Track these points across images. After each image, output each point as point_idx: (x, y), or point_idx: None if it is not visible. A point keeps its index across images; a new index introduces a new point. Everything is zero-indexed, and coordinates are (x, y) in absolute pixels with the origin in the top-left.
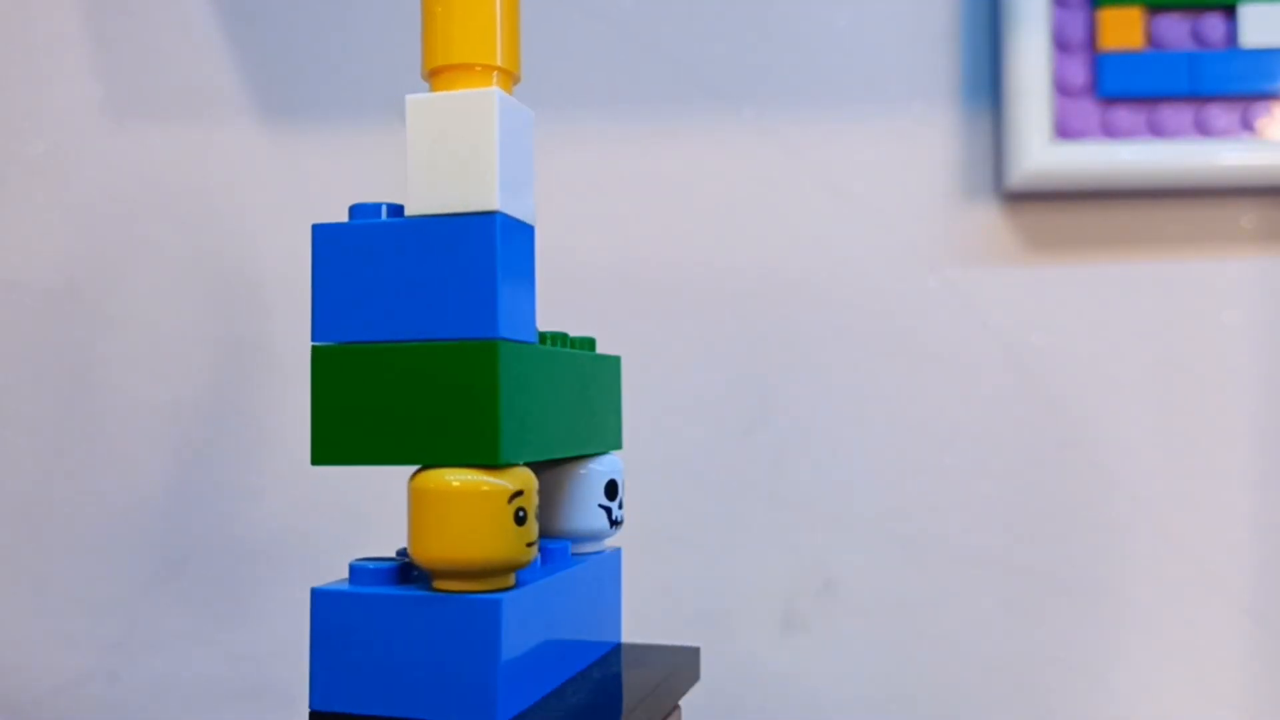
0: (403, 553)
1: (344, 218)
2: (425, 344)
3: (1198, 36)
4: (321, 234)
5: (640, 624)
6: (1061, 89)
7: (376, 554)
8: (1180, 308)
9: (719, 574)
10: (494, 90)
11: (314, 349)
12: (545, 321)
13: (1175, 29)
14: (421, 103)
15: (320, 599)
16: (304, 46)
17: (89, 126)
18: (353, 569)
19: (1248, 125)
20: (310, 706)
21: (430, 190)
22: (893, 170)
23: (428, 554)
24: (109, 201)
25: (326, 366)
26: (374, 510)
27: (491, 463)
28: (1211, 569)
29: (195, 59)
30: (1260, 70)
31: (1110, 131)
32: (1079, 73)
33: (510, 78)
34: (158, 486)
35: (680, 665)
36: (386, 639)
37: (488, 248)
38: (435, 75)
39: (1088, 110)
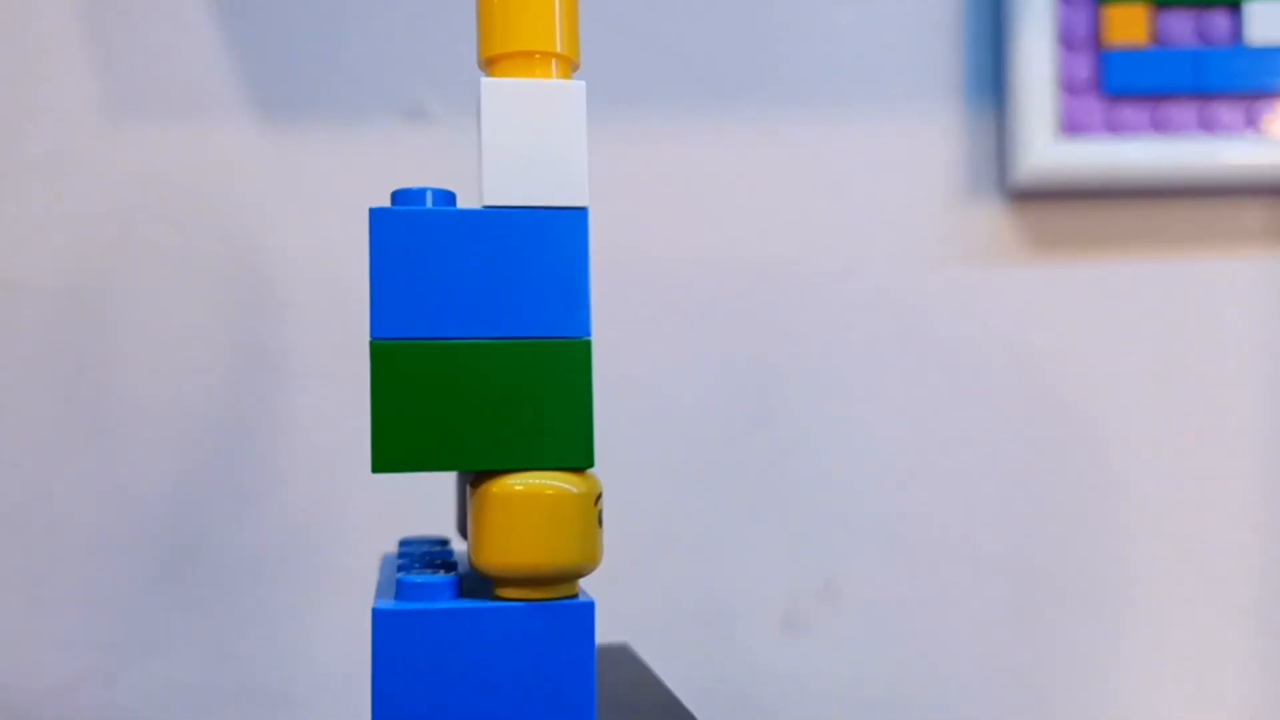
0: (411, 558)
1: (343, 216)
2: (507, 342)
3: (1203, 33)
4: (381, 220)
5: (640, 624)
6: (1066, 86)
7: (371, 556)
8: (1185, 306)
9: (719, 574)
10: (580, 83)
11: (374, 345)
12: None
13: (1180, 26)
14: (499, 88)
15: (387, 620)
16: (304, 45)
17: (88, 126)
18: (404, 585)
19: (1252, 122)
20: None
21: (510, 181)
22: (896, 168)
23: (512, 560)
24: (108, 201)
25: (389, 365)
26: (374, 510)
27: (586, 465)
28: (1215, 570)
29: (194, 58)
30: (1265, 67)
31: (1115, 128)
32: (1084, 69)
33: (570, 65)
34: (156, 488)
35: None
36: (467, 655)
37: (579, 244)
38: (494, 63)
39: (1092, 107)
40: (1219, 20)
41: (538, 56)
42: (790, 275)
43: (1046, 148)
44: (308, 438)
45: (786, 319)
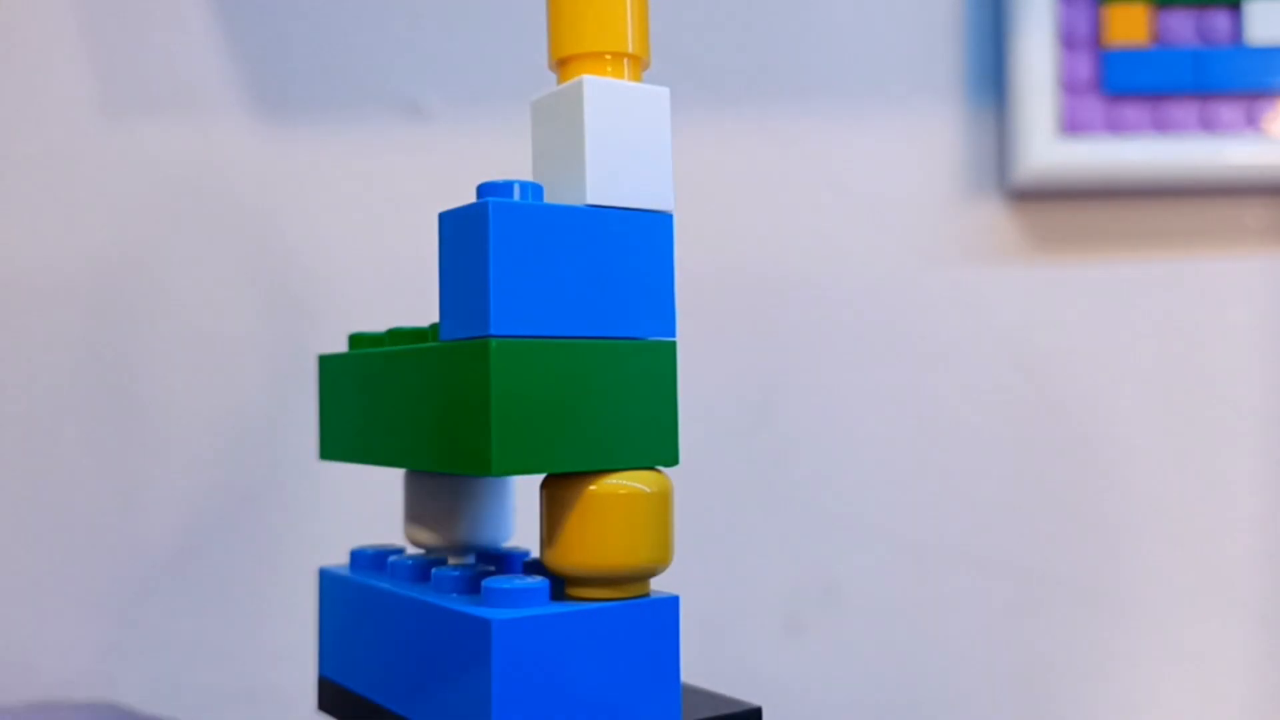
0: (414, 565)
1: (342, 215)
2: (610, 341)
3: (1203, 32)
4: (500, 213)
5: None
6: (1067, 85)
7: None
8: (1186, 305)
9: (720, 577)
10: (665, 89)
11: (496, 343)
12: None
13: (1181, 25)
14: (602, 88)
15: (507, 628)
16: (303, 43)
17: (87, 124)
18: (491, 590)
19: (1253, 122)
20: None
21: (611, 180)
22: (896, 167)
23: (602, 560)
24: (107, 200)
25: (510, 363)
26: (370, 511)
27: (672, 464)
28: (1217, 571)
29: (194, 56)
30: (1266, 66)
31: (1116, 128)
32: (1084, 69)
33: (641, 65)
34: (155, 488)
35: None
36: (573, 657)
37: (667, 247)
38: (566, 64)
39: (1093, 106)
40: (1219, 20)
41: (609, 57)
42: (790, 274)
43: (1047, 147)
44: (307, 437)
45: (786, 318)
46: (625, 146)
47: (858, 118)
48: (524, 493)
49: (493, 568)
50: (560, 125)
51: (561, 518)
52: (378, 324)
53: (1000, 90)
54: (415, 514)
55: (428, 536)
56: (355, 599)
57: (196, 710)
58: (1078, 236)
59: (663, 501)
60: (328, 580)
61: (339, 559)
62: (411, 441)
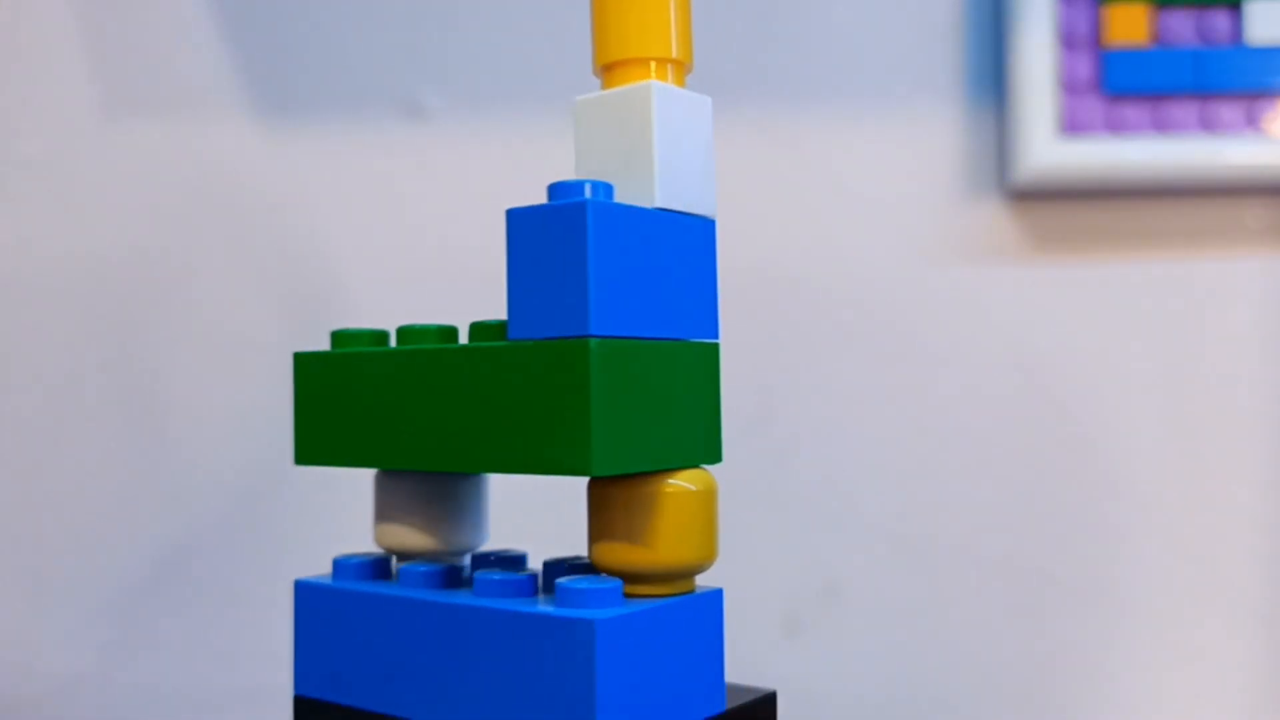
0: (434, 571)
1: (340, 215)
2: (676, 342)
3: (1203, 32)
4: (598, 213)
5: None
6: (1067, 85)
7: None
8: (1186, 306)
9: (719, 576)
10: (709, 98)
11: (595, 342)
12: None
13: (1181, 25)
14: (666, 93)
15: (609, 627)
16: (303, 43)
17: (85, 124)
18: (570, 590)
19: (1253, 122)
20: None
21: (675, 184)
22: (896, 167)
23: (668, 557)
24: (106, 199)
25: (607, 363)
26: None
27: (717, 460)
28: (1218, 571)
29: (193, 56)
30: (1266, 66)
31: (1116, 128)
32: (1084, 68)
33: (684, 70)
34: (154, 488)
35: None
36: (652, 651)
37: (713, 251)
38: (611, 69)
39: (1093, 106)
40: (1220, 20)
41: (654, 63)
42: (790, 274)
43: (1047, 147)
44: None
45: (785, 318)
46: (683, 152)
47: (858, 118)
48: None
49: (532, 569)
50: (621, 127)
51: (624, 517)
52: (378, 323)
53: (1000, 90)
54: (397, 517)
55: (411, 540)
56: (359, 610)
57: (196, 710)
58: (1078, 236)
59: (714, 498)
60: (309, 593)
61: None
62: (469, 442)
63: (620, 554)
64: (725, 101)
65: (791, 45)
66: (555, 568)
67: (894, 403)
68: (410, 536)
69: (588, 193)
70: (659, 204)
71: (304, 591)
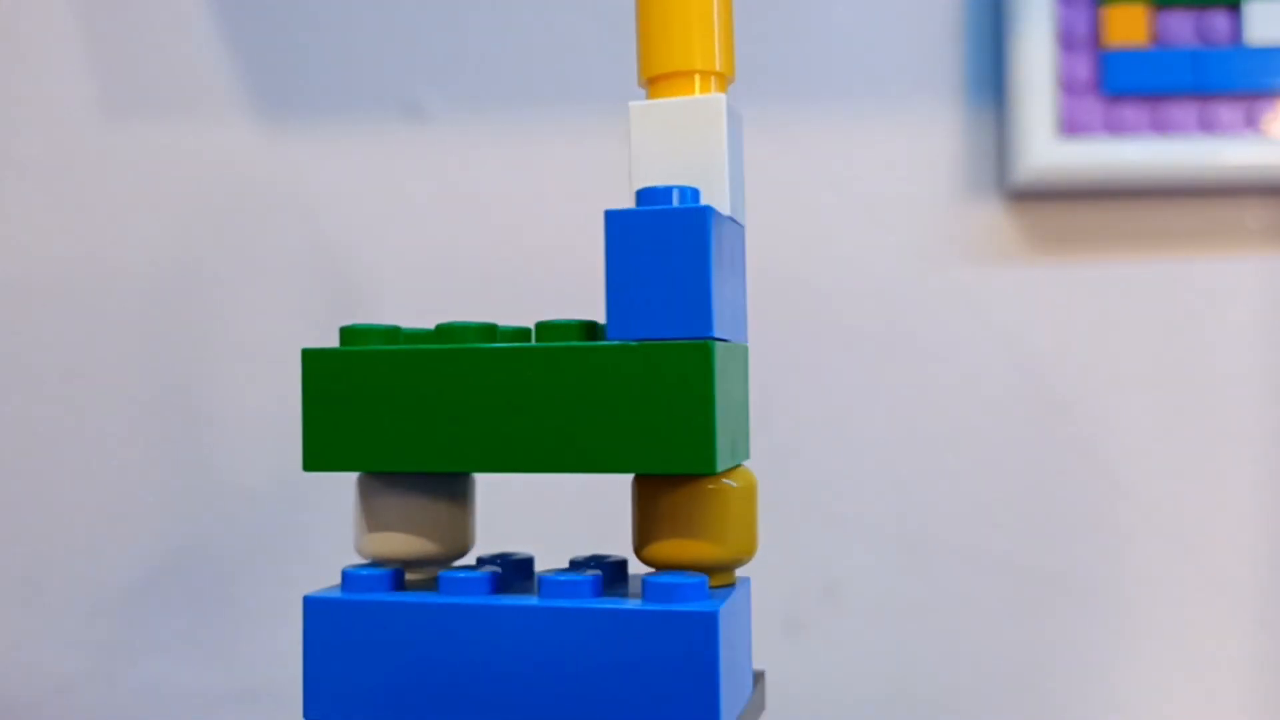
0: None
1: (340, 215)
2: (739, 345)
3: (1203, 33)
4: (715, 219)
5: None
6: (1066, 86)
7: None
8: (1185, 306)
9: None
10: (743, 114)
11: (716, 344)
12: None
13: (1180, 25)
14: (729, 106)
15: (701, 620)
16: (302, 43)
17: (85, 125)
18: (660, 585)
19: (1253, 123)
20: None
21: (736, 194)
22: (895, 167)
23: (731, 551)
24: (105, 200)
25: (720, 363)
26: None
27: (748, 457)
28: (1217, 570)
29: (192, 57)
30: (1265, 67)
31: (1115, 129)
32: (1084, 69)
33: (726, 81)
34: (153, 488)
35: None
36: (728, 639)
37: (742, 257)
38: (656, 82)
39: (1092, 107)
40: (1219, 20)
41: (698, 76)
42: (789, 274)
43: (1046, 148)
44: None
45: (784, 318)
46: (734, 162)
47: (857, 118)
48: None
49: (581, 568)
50: (687, 136)
51: (690, 513)
52: (374, 321)
53: (999, 91)
54: (397, 525)
55: (409, 547)
56: (401, 623)
57: (196, 710)
58: (1077, 237)
59: (756, 493)
60: (325, 610)
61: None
62: (558, 442)
63: (684, 549)
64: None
65: (791, 45)
66: (584, 566)
67: (893, 402)
68: (409, 544)
69: (675, 199)
70: (728, 213)
71: (318, 608)
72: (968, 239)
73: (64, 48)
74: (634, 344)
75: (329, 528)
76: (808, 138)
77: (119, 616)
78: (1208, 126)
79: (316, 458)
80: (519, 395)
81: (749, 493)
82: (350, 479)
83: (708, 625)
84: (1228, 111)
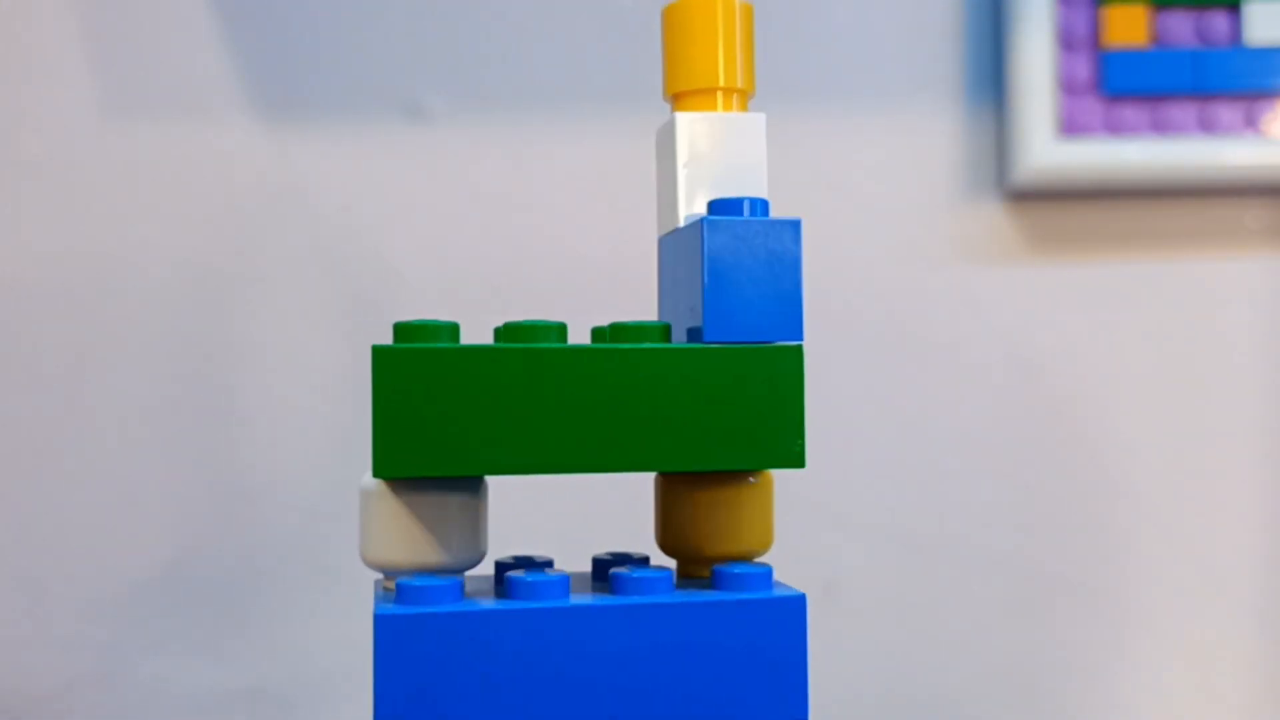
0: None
1: (339, 216)
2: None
3: (1202, 33)
4: (795, 229)
5: None
6: (1066, 86)
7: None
8: (1184, 306)
9: None
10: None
11: (797, 348)
12: (548, 317)
13: (1180, 26)
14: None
15: (792, 605)
16: (304, 44)
17: (86, 125)
18: (732, 575)
19: (1252, 123)
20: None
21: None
22: (895, 168)
23: (765, 541)
24: (106, 200)
25: (786, 366)
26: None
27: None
28: (1216, 570)
29: (193, 57)
30: (1265, 68)
31: (1114, 129)
32: (1083, 70)
33: (747, 97)
34: (153, 489)
35: None
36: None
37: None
38: (682, 97)
39: (1092, 107)
40: (1218, 20)
41: (720, 92)
42: None
43: (1046, 148)
44: (305, 438)
45: None
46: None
47: (857, 119)
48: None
49: (628, 565)
50: (728, 148)
51: (735, 507)
52: (377, 323)
53: (999, 91)
54: (415, 531)
55: (428, 555)
56: (483, 632)
57: (196, 710)
58: (1076, 237)
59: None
60: (404, 626)
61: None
62: (651, 441)
63: (727, 541)
64: None
65: (791, 46)
66: (609, 563)
67: (893, 402)
68: (431, 551)
69: (746, 210)
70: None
71: (392, 625)
72: (968, 239)
73: (66, 49)
74: (736, 346)
75: (330, 528)
76: (808, 138)
77: (119, 616)
78: (1207, 127)
79: (390, 462)
80: (614, 395)
81: (770, 487)
82: (351, 480)
83: (797, 610)
84: (1227, 112)
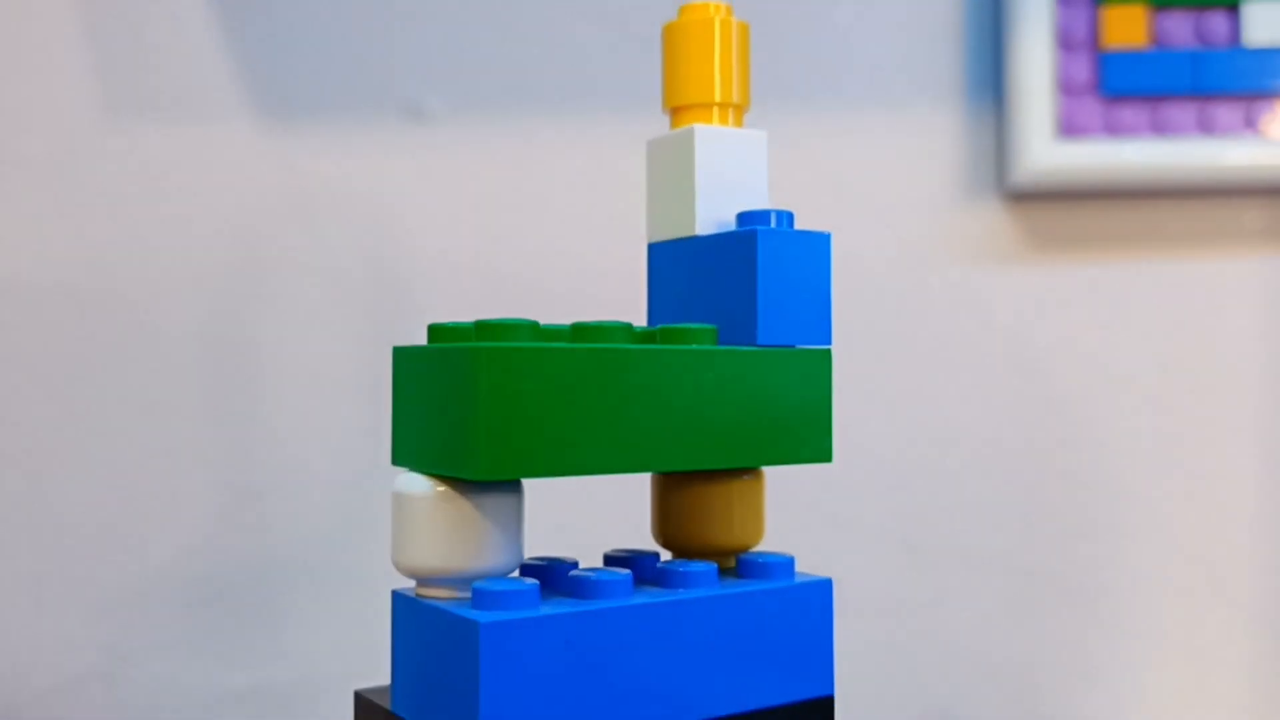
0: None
1: (340, 217)
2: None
3: (1201, 34)
4: (818, 241)
5: None
6: (1065, 87)
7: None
8: (1183, 307)
9: None
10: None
11: (825, 352)
12: (549, 317)
13: (1179, 27)
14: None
15: (820, 588)
16: (304, 45)
17: (87, 126)
18: (755, 564)
19: (1251, 124)
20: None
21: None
22: (896, 169)
23: (753, 538)
24: (107, 201)
25: (815, 369)
26: (375, 510)
27: None
28: (1214, 570)
29: (194, 58)
30: (1263, 68)
31: (1114, 130)
32: (1082, 71)
33: (743, 111)
34: (155, 489)
35: None
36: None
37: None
38: (680, 110)
39: (1091, 108)
40: (1217, 21)
41: (717, 106)
42: None
43: (1045, 149)
44: (305, 438)
45: None
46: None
47: (858, 120)
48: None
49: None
50: (735, 162)
51: (740, 502)
52: (377, 322)
53: (999, 92)
54: (467, 536)
55: (480, 560)
56: (581, 633)
57: (198, 710)
58: (1076, 238)
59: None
60: (509, 632)
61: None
62: (709, 440)
63: (726, 534)
64: None
65: (791, 48)
66: (626, 559)
67: (893, 403)
68: (480, 556)
69: (773, 221)
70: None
71: (497, 632)
72: (967, 240)
73: (68, 50)
74: (775, 350)
75: (331, 528)
76: (809, 139)
77: (119, 617)
78: (1206, 127)
79: (493, 463)
80: (685, 395)
81: (763, 483)
82: (350, 481)
83: (824, 593)
84: (1226, 112)
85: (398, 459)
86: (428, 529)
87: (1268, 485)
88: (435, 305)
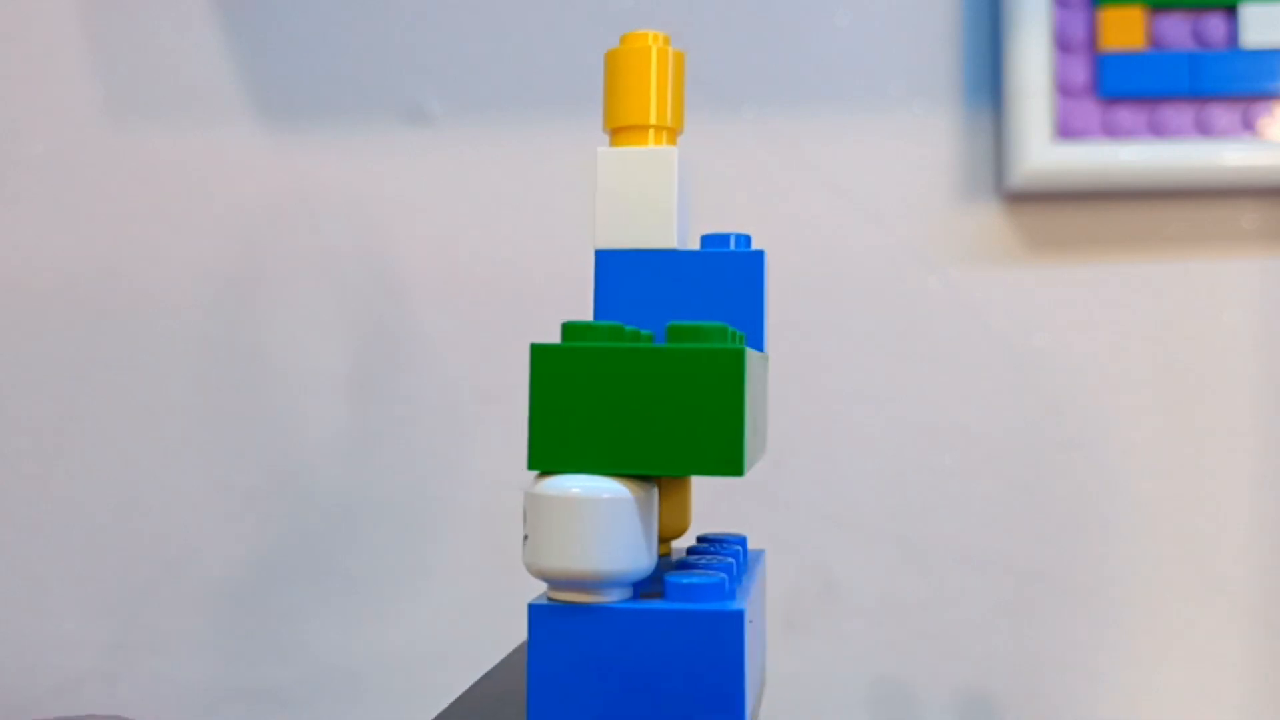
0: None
1: (341, 219)
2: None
3: (1199, 36)
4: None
5: None
6: (1062, 89)
7: (370, 557)
8: (1181, 308)
9: None
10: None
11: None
12: (549, 320)
13: (1176, 29)
14: (679, 158)
15: (728, 618)
16: (305, 46)
17: (90, 128)
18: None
19: (1249, 125)
20: None
21: (682, 228)
22: (893, 170)
23: (683, 528)
24: (109, 202)
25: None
26: (375, 511)
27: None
28: (1213, 570)
29: (196, 60)
30: (1261, 70)
31: (1111, 131)
32: (1080, 73)
33: (675, 134)
34: (156, 489)
35: None
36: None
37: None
38: (616, 133)
39: (1089, 110)
40: (1215, 23)
41: (652, 129)
42: (788, 276)
43: (1043, 150)
44: (306, 438)
45: (783, 319)
46: (685, 202)
47: (855, 121)
48: None
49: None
50: (646, 180)
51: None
52: (379, 322)
53: (996, 94)
54: (635, 536)
55: (636, 560)
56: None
57: (198, 709)
58: (1074, 239)
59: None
60: (735, 621)
61: (340, 557)
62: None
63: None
64: (724, 105)
65: (790, 49)
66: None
67: (891, 403)
68: (642, 555)
69: (732, 244)
70: (677, 245)
71: (728, 620)
72: (965, 241)
73: (71, 53)
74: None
75: (330, 529)
76: (807, 141)
77: (120, 616)
78: (1204, 129)
79: (746, 457)
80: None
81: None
82: (350, 480)
83: (734, 623)
84: (1224, 114)
85: (537, 463)
86: (611, 531)
87: (1266, 485)
88: (436, 306)
